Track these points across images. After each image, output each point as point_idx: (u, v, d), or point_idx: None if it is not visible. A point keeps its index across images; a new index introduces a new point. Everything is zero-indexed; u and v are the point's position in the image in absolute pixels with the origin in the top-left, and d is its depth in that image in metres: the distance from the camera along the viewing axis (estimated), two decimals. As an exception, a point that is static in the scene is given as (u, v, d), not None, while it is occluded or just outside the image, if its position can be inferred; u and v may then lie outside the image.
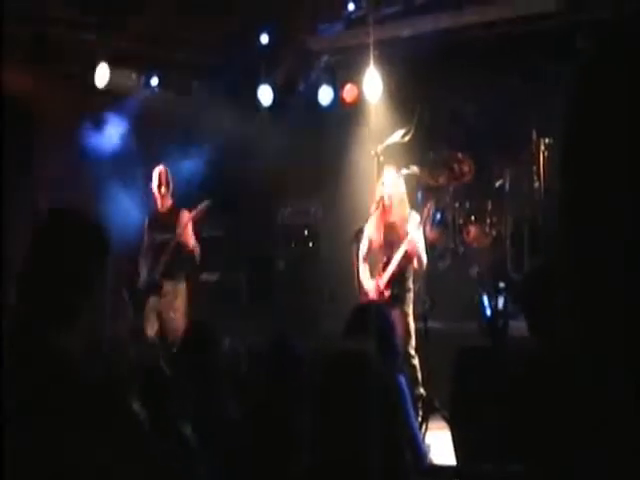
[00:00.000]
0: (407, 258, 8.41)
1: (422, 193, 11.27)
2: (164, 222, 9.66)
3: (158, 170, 9.79)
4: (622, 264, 0.85)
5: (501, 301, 6.55)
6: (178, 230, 9.47)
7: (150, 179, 9.86)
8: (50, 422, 2.08)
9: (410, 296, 8.44)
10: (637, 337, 0.85)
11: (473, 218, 11.29)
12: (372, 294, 8.40)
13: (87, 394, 2.17)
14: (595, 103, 0.91)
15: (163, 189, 9.71)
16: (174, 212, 9.70)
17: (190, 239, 9.60)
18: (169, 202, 9.81)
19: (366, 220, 8.68)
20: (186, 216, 9.59)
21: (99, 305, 2.40)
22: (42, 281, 2.35)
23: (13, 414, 2.01)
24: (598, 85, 0.92)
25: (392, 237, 8.51)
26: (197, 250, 9.66)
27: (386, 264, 8.48)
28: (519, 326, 7.00)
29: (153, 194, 9.80)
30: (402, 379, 4.87)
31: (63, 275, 2.34)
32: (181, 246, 9.52)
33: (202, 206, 9.59)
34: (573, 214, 0.91)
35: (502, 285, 6.50)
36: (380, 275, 8.52)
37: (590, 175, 0.89)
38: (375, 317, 4.79)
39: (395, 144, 10.85)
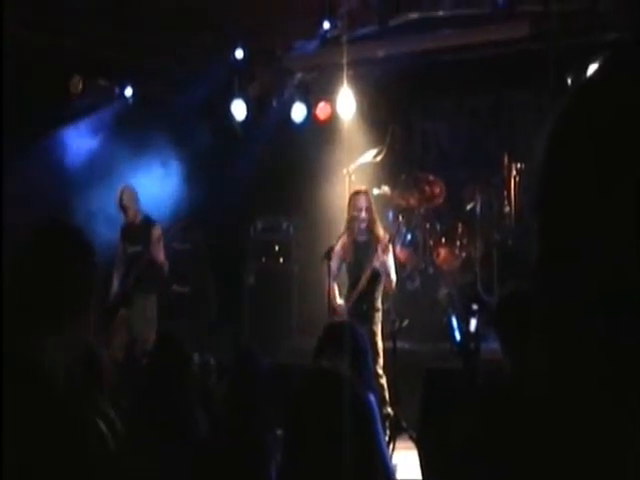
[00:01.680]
0: (376, 278, 8.43)
1: (393, 213, 11.30)
2: (135, 234, 9.72)
3: (120, 191, 9.81)
4: (597, 304, 0.85)
5: (473, 323, 6.58)
6: (150, 244, 9.50)
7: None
8: (28, 436, 2.07)
9: (379, 315, 8.45)
10: (609, 371, 0.86)
11: (443, 240, 11.33)
12: (341, 312, 8.41)
13: (63, 409, 2.15)
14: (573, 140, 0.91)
15: (129, 207, 9.74)
16: (145, 225, 9.74)
17: (160, 253, 9.64)
18: (140, 216, 9.83)
19: (337, 238, 8.70)
20: (157, 231, 9.62)
21: (86, 317, 2.37)
22: (23, 295, 2.32)
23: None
24: (574, 129, 0.92)
25: (362, 256, 8.53)
26: (166, 264, 9.70)
27: (355, 283, 8.50)
28: (490, 348, 7.02)
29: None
30: (372, 398, 4.87)
31: (45, 287, 2.32)
32: (151, 260, 9.54)
33: (178, 225, 9.67)
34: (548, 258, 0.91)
35: (475, 307, 6.53)
36: (350, 293, 8.54)
37: (566, 211, 0.90)
38: (348, 335, 4.78)
39: (367, 164, 10.92)
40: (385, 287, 8.53)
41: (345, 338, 4.69)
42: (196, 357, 7.69)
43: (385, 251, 8.38)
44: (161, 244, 9.68)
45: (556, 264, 0.90)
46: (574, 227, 0.88)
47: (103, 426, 2.26)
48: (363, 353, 4.87)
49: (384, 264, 8.35)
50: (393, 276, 8.49)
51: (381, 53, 11.22)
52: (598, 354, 0.86)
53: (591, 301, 0.86)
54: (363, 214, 8.54)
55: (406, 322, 8.85)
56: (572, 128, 0.91)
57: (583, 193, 0.87)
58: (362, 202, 8.60)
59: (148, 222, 9.79)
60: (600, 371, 0.87)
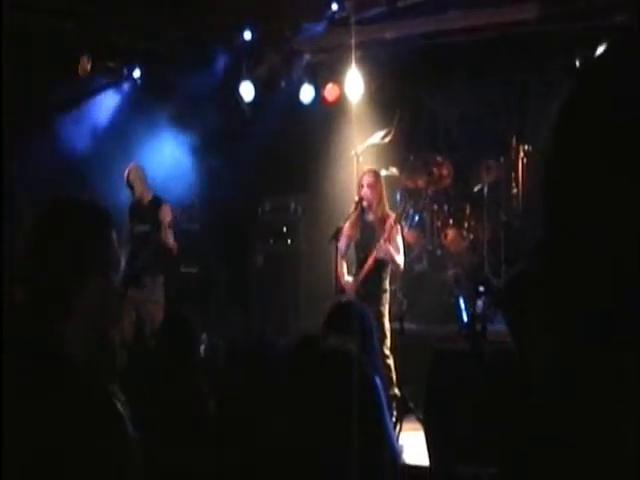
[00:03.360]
0: (384, 258, 8.44)
1: (401, 195, 11.31)
2: (144, 213, 9.70)
3: (127, 169, 9.81)
4: (605, 287, 0.86)
5: (480, 304, 6.60)
6: (159, 225, 9.50)
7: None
8: (44, 418, 2.09)
9: (386, 296, 8.47)
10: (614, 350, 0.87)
11: (451, 221, 11.33)
12: (349, 292, 8.44)
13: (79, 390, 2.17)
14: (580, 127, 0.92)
15: (137, 186, 9.75)
16: (154, 204, 9.73)
17: (169, 234, 9.62)
18: (149, 195, 9.84)
19: (345, 219, 8.72)
20: (166, 211, 9.61)
21: (101, 293, 2.36)
22: (38, 269, 2.32)
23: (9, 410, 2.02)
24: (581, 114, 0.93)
25: (370, 236, 8.55)
26: (175, 244, 9.69)
27: (363, 263, 8.52)
28: (497, 330, 7.04)
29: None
30: (378, 379, 4.89)
31: (58, 262, 2.31)
32: (160, 240, 9.54)
33: (186, 207, 9.67)
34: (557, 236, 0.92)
35: (481, 289, 6.54)
36: (357, 274, 8.57)
37: (572, 196, 0.91)
38: (355, 315, 4.80)
39: (375, 145, 10.92)
40: (392, 268, 8.55)
41: (351, 318, 4.71)
42: (204, 338, 7.73)
43: (391, 232, 8.39)
44: (169, 224, 9.67)
45: (560, 249, 0.92)
46: (580, 213, 0.89)
47: (120, 408, 2.27)
48: (369, 333, 4.89)
49: (386, 251, 8.36)
50: (401, 257, 8.51)
51: (389, 35, 11.19)
52: (601, 344, 0.88)
53: (595, 289, 0.87)
54: (366, 190, 8.54)
55: (413, 302, 8.87)
56: (580, 110, 0.92)
57: (591, 178, 0.88)
58: (366, 179, 8.62)
59: (157, 201, 9.77)
60: (602, 360, 0.88)
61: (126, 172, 9.80)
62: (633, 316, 0.84)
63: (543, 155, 0.95)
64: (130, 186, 9.77)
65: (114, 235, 2.43)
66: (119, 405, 2.19)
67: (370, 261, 8.43)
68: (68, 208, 2.45)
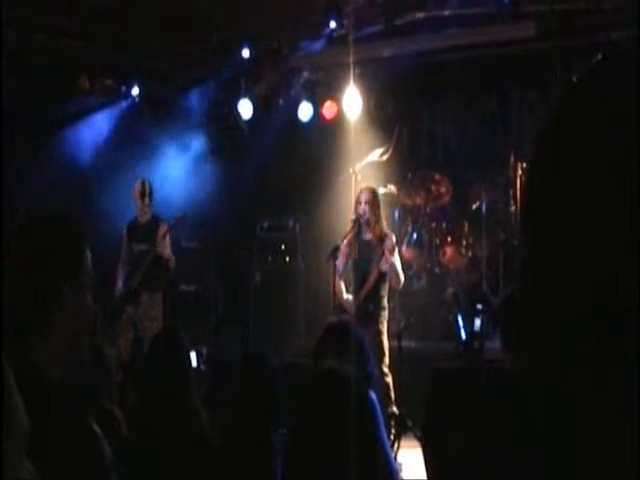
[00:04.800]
0: (382, 277, 8.43)
1: (399, 212, 11.32)
2: (143, 232, 9.73)
3: (140, 181, 9.84)
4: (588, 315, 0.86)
5: (478, 322, 6.59)
6: (156, 241, 9.52)
7: (129, 190, 9.90)
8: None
9: (385, 314, 8.45)
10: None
11: (449, 239, 11.33)
12: (347, 310, 8.43)
13: (56, 408, 2.14)
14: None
15: (146, 200, 9.78)
16: (153, 223, 9.76)
17: (167, 250, 9.64)
18: (149, 213, 9.86)
19: (343, 237, 8.70)
20: (164, 228, 9.64)
21: (76, 308, 2.32)
22: (13, 288, 2.27)
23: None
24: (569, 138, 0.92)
25: (368, 255, 8.53)
26: (172, 261, 9.70)
27: (362, 282, 8.50)
28: (495, 347, 7.03)
29: (135, 205, 9.86)
30: (374, 398, 4.87)
31: (31, 277, 2.26)
32: (158, 257, 9.55)
33: (179, 217, 9.67)
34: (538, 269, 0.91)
35: (479, 307, 6.53)
36: (356, 293, 8.55)
37: (553, 214, 0.90)
38: (350, 335, 4.79)
39: (373, 162, 10.93)
40: (392, 286, 8.54)
41: (345, 338, 4.70)
42: (202, 354, 7.71)
43: (392, 251, 8.39)
44: (167, 240, 9.69)
45: (542, 268, 0.91)
46: (561, 231, 0.88)
47: (97, 428, 2.23)
48: (362, 352, 4.88)
49: (391, 264, 8.35)
50: (400, 275, 8.50)
51: (387, 52, 11.23)
52: (588, 359, 0.87)
53: (580, 308, 0.87)
54: (364, 207, 8.53)
55: (412, 320, 8.86)
56: (562, 127, 0.92)
57: (573, 195, 0.88)
58: (364, 197, 8.61)
59: (155, 221, 9.80)
60: (591, 379, 0.88)
61: (139, 184, 9.81)
62: (619, 334, 0.84)
63: (528, 172, 0.95)
64: (142, 197, 9.76)
65: (87, 251, 2.37)
66: (95, 426, 2.16)
67: (371, 278, 8.42)
68: (40, 222, 2.40)
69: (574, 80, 0.95)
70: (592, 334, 0.84)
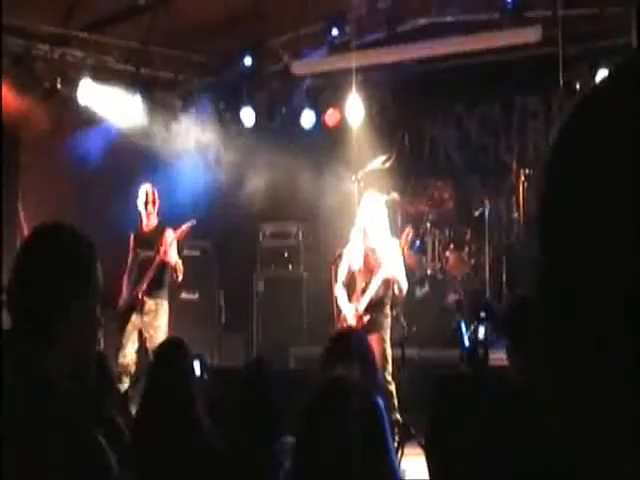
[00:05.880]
0: (386, 284, 8.41)
1: (402, 219, 11.30)
2: (149, 240, 9.68)
3: (145, 188, 9.80)
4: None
5: (482, 330, 6.56)
6: (162, 248, 9.49)
7: (135, 197, 9.86)
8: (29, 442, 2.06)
9: (388, 322, 8.43)
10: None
11: (452, 246, 11.32)
12: (350, 319, 8.40)
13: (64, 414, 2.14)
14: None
15: (150, 207, 9.76)
16: (159, 230, 9.72)
17: (173, 258, 9.60)
18: (155, 220, 9.83)
19: (346, 245, 8.69)
20: (170, 235, 9.60)
21: (84, 322, 2.33)
22: (22, 298, 2.28)
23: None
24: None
25: (371, 262, 8.51)
26: (180, 269, 9.65)
27: (364, 289, 8.48)
28: (499, 355, 7.01)
29: (139, 212, 9.81)
30: (381, 406, 4.86)
31: (40, 291, 2.27)
32: (164, 265, 9.53)
33: (187, 225, 9.62)
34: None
35: (483, 314, 6.52)
36: (358, 300, 8.52)
37: (571, 225, 0.88)
38: (356, 344, 4.78)
39: (376, 170, 10.91)
40: (395, 294, 8.52)
41: (351, 347, 4.70)
42: (205, 363, 7.66)
43: (395, 258, 8.37)
44: (174, 246, 9.65)
45: (562, 282, 0.89)
46: (579, 243, 0.87)
47: (103, 440, 2.23)
48: (368, 360, 4.87)
49: (394, 271, 8.33)
50: (404, 282, 8.48)
51: (390, 59, 11.24)
52: (614, 375, 0.85)
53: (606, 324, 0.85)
54: (372, 220, 8.52)
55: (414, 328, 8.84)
56: (577, 135, 0.90)
57: (592, 206, 0.86)
58: (371, 208, 8.60)
59: (161, 228, 9.76)
60: (600, 390, 0.86)
61: (143, 191, 9.80)
62: (627, 343, 0.82)
63: (539, 183, 0.93)
64: (146, 204, 9.74)
65: (97, 266, 2.39)
66: (100, 437, 2.16)
67: (374, 284, 8.40)
68: (51, 235, 2.42)
69: (591, 86, 0.93)
70: (620, 350, 0.83)
